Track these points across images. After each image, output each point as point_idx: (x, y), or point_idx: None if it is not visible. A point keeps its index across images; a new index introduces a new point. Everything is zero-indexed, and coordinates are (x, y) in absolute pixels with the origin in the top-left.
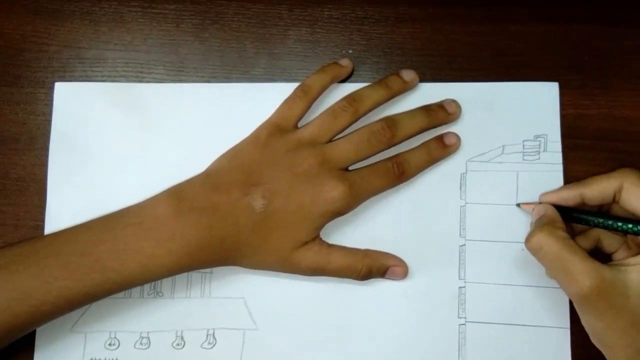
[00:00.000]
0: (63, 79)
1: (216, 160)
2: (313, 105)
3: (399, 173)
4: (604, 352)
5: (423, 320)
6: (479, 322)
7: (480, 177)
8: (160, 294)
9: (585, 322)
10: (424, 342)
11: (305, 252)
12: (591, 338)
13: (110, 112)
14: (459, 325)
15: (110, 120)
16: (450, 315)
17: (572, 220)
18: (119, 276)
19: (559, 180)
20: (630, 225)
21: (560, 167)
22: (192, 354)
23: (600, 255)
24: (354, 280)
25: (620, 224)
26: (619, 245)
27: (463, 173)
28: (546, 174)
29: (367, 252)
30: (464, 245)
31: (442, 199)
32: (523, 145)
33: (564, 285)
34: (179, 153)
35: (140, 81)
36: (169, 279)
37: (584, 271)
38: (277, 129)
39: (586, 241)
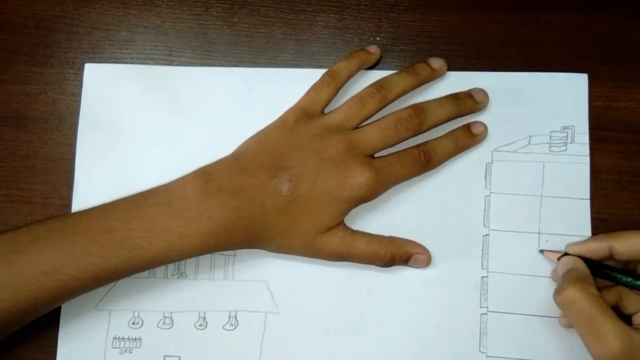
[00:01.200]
0: (93, 60)
1: (243, 143)
2: (340, 92)
3: (426, 161)
4: None
5: (445, 308)
6: (501, 312)
7: (506, 167)
8: (184, 275)
9: None
10: (445, 330)
11: (330, 237)
12: None
13: (139, 94)
14: (481, 314)
15: (138, 102)
16: (472, 304)
17: (598, 275)
18: (147, 254)
19: (586, 173)
20: None
21: (587, 159)
22: (214, 335)
23: (618, 315)
24: (377, 267)
25: None
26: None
27: (489, 163)
28: (573, 166)
29: (391, 239)
30: (488, 235)
31: (467, 188)
32: (550, 136)
33: (590, 345)
34: (206, 136)
35: (169, 64)
36: (193, 260)
37: (614, 333)
38: (305, 114)
39: (608, 298)
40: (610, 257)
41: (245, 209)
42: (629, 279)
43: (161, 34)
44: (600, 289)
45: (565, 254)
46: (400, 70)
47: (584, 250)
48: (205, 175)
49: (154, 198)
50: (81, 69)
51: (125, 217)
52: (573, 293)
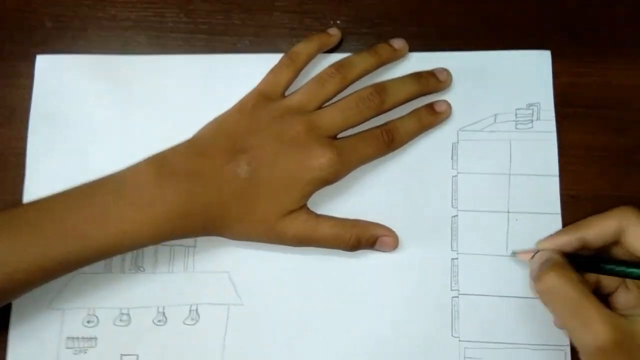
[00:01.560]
0: (45, 52)
1: (201, 129)
2: (300, 76)
3: (389, 140)
4: None
5: (415, 293)
6: (472, 295)
7: (472, 147)
8: (142, 269)
9: None
10: (415, 316)
11: (292, 220)
12: None
13: (92, 85)
14: (452, 297)
15: (92, 93)
16: (443, 288)
17: (576, 267)
18: (98, 244)
19: (553, 149)
20: None
21: (554, 136)
22: (174, 331)
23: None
24: (343, 253)
25: (633, 270)
26: (617, 285)
27: (455, 142)
28: (540, 143)
29: (355, 222)
30: (456, 216)
31: (434, 169)
32: (516, 114)
33: (576, 333)
34: (162, 126)
35: (124, 53)
36: (151, 253)
37: (601, 320)
38: (264, 97)
39: (586, 284)
40: (583, 247)
41: (200, 194)
42: (609, 267)
43: (116, 23)
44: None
45: (538, 251)
46: (361, 50)
47: (554, 244)
48: (159, 161)
49: (105, 185)
50: (33, 61)
51: (74, 206)
52: (553, 279)
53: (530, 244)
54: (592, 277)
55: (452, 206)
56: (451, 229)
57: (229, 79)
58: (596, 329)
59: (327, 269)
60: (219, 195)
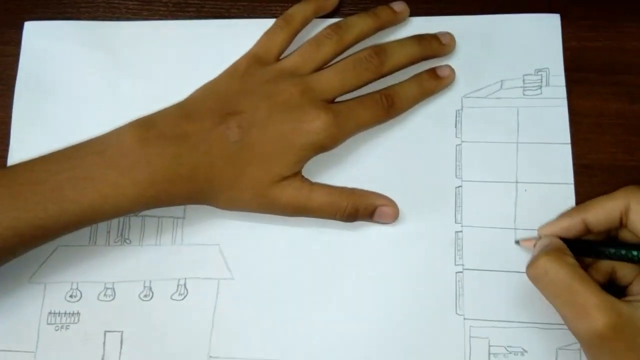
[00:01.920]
0: (33, 18)
1: (192, 93)
2: (296, 41)
3: (388, 105)
4: None
5: (416, 268)
6: (477, 270)
7: (477, 114)
8: (128, 241)
9: None
10: (417, 293)
11: (285, 187)
12: None
13: (80, 50)
14: (456, 273)
15: (79, 58)
16: (447, 262)
17: (580, 253)
18: (77, 207)
19: (564, 116)
20: None
21: (565, 102)
22: (161, 306)
23: (613, 289)
24: (340, 225)
25: (635, 252)
26: (634, 276)
27: (458, 110)
28: (549, 110)
29: (353, 190)
30: (461, 186)
31: (437, 138)
32: (523, 80)
33: (572, 321)
34: (152, 92)
35: (113, 19)
36: (138, 224)
37: (598, 305)
38: (257, 61)
39: (598, 274)
40: (588, 231)
41: (187, 157)
42: (613, 250)
43: None
44: (587, 266)
45: (541, 238)
46: (360, 12)
47: (557, 229)
48: (145, 123)
49: (87, 147)
50: (21, 28)
51: (54, 168)
52: (545, 262)
53: (540, 216)
54: (606, 266)
55: (456, 176)
56: (455, 200)
57: (221, 45)
58: (592, 314)
59: (323, 242)
60: (207, 159)
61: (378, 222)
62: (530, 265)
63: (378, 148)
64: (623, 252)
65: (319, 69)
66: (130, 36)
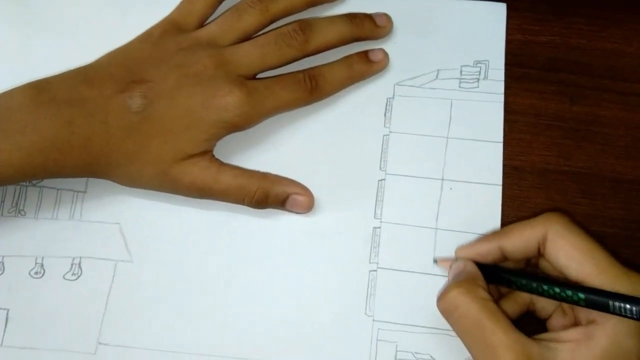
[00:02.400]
0: None
1: (99, 57)
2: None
3: (312, 87)
4: None
5: (328, 263)
6: (393, 270)
7: (409, 104)
8: (23, 213)
9: None
10: (327, 289)
11: (190, 166)
12: None
13: None
14: (370, 271)
15: None
16: (361, 259)
17: (494, 281)
18: None
19: (499, 113)
20: (556, 290)
21: (501, 98)
22: (52, 285)
23: (533, 321)
24: (252, 212)
25: (545, 287)
26: (553, 308)
27: (390, 98)
28: (484, 104)
29: (265, 175)
30: (384, 179)
31: (363, 125)
32: (461, 71)
33: (478, 358)
34: (65, 52)
35: None
36: (35, 195)
37: (507, 345)
38: (174, 27)
39: (515, 305)
40: (505, 258)
41: (81, 124)
42: (524, 281)
43: None
44: (504, 295)
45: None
46: None
47: (472, 253)
48: (40, 85)
49: None
50: None
51: None
52: (456, 296)
53: (463, 215)
54: (525, 297)
55: (380, 169)
56: (377, 193)
57: (145, 8)
58: (499, 355)
59: (231, 228)
60: (103, 129)
61: (290, 212)
62: (441, 298)
63: (299, 131)
64: (534, 285)
65: (240, 41)
66: None
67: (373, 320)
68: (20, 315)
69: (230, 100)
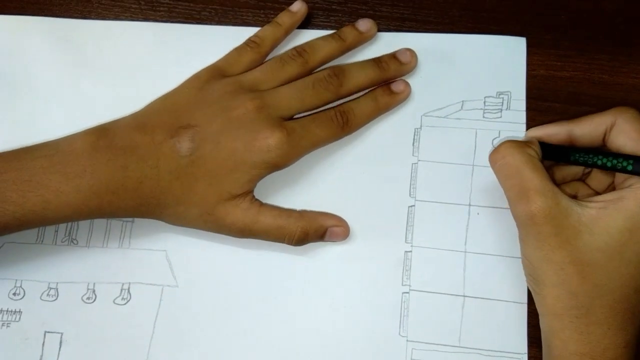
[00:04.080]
0: (5, 10)
1: (150, 102)
2: None
3: (343, 122)
4: (533, 292)
5: (362, 287)
6: (424, 292)
7: (436, 134)
8: (75, 242)
9: (524, 250)
10: (361, 311)
11: (232, 207)
12: (525, 272)
13: (44, 47)
14: (402, 293)
15: (42, 55)
16: (394, 282)
17: (554, 159)
18: (19, 210)
19: None
20: (610, 158)
21: (524, 127)
22: (103, 310)
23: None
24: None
25: (600, 157)
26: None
27: (417, 128)
28: (508, 134)
29: (302, 213)
30: (414, 206)
31: (393, 155)
32: (484, 102)
33: (514, 203)
34: (114, 94)
35: (85, 15)
36: (86, 225)
37: (539, 190)
38: (220, 73)
39: (567, 174)
40: (570, 142)
41: (134, 169)
42: (581, 153)
43: None
44: (561, 182)
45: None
46: (326, 34)
47: (541, 132)
48: (99, 132)
49: (38, 150)
50: None
51: (1, 167)
52: (506, 148)
53: (490, 238)
54: (572, 189)
55: (410, 195)
56: (407, 219)
57: (188, 50)
58: (531, 197)
59: (270, 255)
60: (154, 173)
61: (328, 241)
62: (493, 150)
63: (333, 163)
64: (590, 155)
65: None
66: (97, 35)
67: (407, 340)
68: (74, 338)
69: (271, 142)
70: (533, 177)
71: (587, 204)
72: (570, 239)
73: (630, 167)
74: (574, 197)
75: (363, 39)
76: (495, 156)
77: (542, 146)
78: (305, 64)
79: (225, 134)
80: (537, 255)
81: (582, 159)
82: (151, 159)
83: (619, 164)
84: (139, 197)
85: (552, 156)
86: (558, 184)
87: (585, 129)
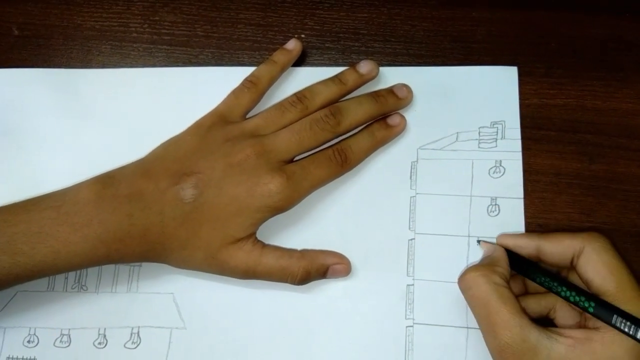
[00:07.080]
0: (9, 60)
1: (154, 149)
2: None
3: (342, 160)
4: None
5: (366, 321)
6: (428, 324)
7: (433, 166)
8: (85, 288)
9: None
10: (367, 346)
11: (236, 250)
12: None
13: (47, 98)
14: (407, 327)
15: (45, 107)
16: (397, 316)
17: (522, 272)
18: (29, 261)
19: (518, 169)
20: (573, 293)
21: (519, 155)
22: (114, 354)
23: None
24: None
25: (564, 289)
26: (573, 323)
27: (414, 161)
28: (504, 163)
29: (303, 253)
30: (414, 239)
31: (391, 189)
32: (479, 132)
33: (484, 334)
34: (117, 141)
35: (86, 62)
36: (95, 271)
37: (507, 325)
38: (221, 119)
39: (538, 306)
40: (538, 258)
41: (140, 217)
42: (546, 279)
43: (80, 32)
44: (532, 293)
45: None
46: (326, 78)
47: (510, 243)
48: (104, 180)
49: (45, 201)
50: None
51: (11, 219)
52: (472, 278)
53: None
54: (550, 302)
55: (410, 229)
56: (408, 252)
57: (188, 93)
58: (498, 332)
59: (274, 295)
60: (159, 220)
61: (330, 278)
62: (460, 278)
63: (332, 199)
64: (555, 283)
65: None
66: (99, 84)
67: None
68: None
69: (272, 187)
70: (499, 311)
71: (557, 338)
72: None
73: (591, 310)
74: (550, 311)
75: (364, 81)
76: (462, 285)
77: (510, 255)
78: (305, 110)
79: (227, 180)
80: None
81: (546, 284)
82: (156, 205)
83: (581, 302)
84: (145, 244)
85: (519, 269)
86: (533, 292)
87: (554, 249)
